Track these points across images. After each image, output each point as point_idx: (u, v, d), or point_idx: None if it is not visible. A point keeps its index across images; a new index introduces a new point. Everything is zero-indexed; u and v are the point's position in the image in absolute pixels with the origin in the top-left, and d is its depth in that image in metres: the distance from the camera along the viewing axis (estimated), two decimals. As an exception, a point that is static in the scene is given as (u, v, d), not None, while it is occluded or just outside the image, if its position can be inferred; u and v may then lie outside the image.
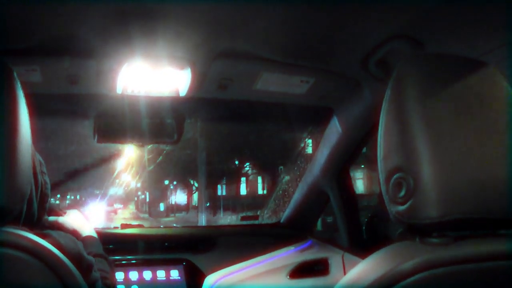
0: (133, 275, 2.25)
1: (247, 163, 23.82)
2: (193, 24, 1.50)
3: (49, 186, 1.44)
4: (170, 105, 1.97)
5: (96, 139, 1.95)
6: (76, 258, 1.20)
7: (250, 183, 25.72)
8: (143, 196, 30.38)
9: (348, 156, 2.32)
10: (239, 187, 26.16)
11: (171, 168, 23.36)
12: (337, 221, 2.45)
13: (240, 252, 2.39)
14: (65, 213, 1.84)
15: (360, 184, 17.55)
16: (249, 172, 24.70)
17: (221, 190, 25.94)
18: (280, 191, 3.00)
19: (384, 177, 0.96)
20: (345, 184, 2.41)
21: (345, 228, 2.41)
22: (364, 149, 2.35)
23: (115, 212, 25.88)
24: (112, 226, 2.53)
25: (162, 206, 27.65)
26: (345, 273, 0.97)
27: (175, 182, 28.23)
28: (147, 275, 2.27)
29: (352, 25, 1.53)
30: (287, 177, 3.04)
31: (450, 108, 0.92)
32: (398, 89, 0.96)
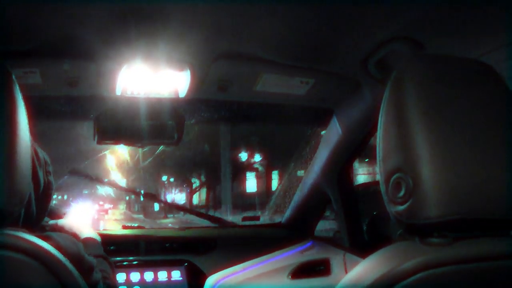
0: (135, 276, 2.25)
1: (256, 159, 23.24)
2: (193, 26, 1.50)
3: (53, 186, 1.44)
4: (170, 107, 1.97)
5: (96, 140, 1.95)
6: (77, 260, 1.20)
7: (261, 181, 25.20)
8: (133, 196, 29.00)
9: (348, 156, 2.33)
10: (245, 184, 25.77)
11: (169, 163, 22.69)
12: (337, 221, 2.45)
13: (241, 253, 2.39)
14: (65, 214, 1.84)
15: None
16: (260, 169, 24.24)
17: (238, 187, 25.22)
18: (282, 192, 3.00)
19: (383, 177, 0.96)
20: (346, 185, 2.41)
21: (346, 228, 2.41)
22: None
23: (105, 212, 25.41)
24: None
25: (156, 206, 25.78)
26: (346, 273, 0.97)
27: (172, 179, 27.37)
28: (149, 276, 2.27)
29: (352, 26, 1.53)
30: (288, 177, 3.04)
31: (449, 109, 0.92)
32: (398, 90, 0.96)
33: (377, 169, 0.99)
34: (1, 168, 0.94)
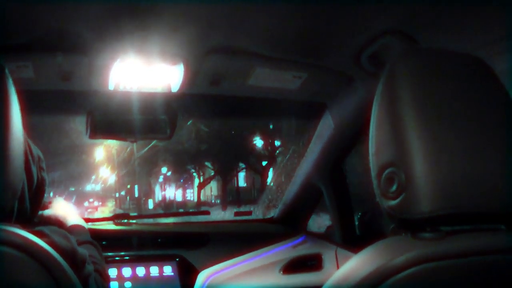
0: (126, 271, 2.25)
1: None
2: (186, 20, 1.50)
3: (46, 182, 1.44)
4: (163, 101, 1.97)
5: (88, 135, 1.94)
6: (70, 254, 1.20)
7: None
8: (123, 193, 27.68)
9: (341, 151, 2.33)
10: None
11: (167, 154, 21.27)
12: (330, 216, 2.46)
13: (233, 248, 2.40)
14: (50, 203, 1.84)
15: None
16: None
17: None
18: (274, 186, 3.00)
19: (375, 172, 0.96)
20: (338, 179, 2.42)
21: (339, 223, 2.41)
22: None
23: (95, 209, 24.89)
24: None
25: (150, 203, 25.01)
26: (338, 269, 0.97)
27: (169, 173, 25.79)
28: (140, 271, 2.27)
29: (344, 20, 1.53)
30: (280, 172, 3.04)
31: (442, 103, 0.92)
32: (390, 84, 0.96)
33: (370, 162, 0.99)
34: None
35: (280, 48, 1.73)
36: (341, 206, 2.41)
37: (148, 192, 25.93)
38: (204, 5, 1.42)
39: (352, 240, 2.38)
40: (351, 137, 2.24)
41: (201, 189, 25.52)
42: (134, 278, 2.25)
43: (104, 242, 2.23)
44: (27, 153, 1.29)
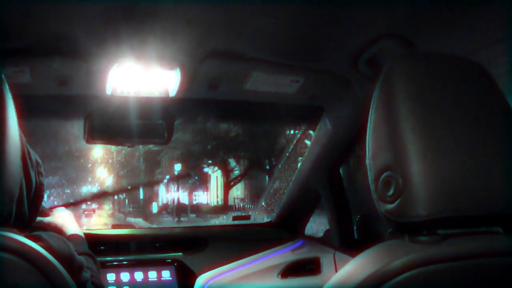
0: (125, 276, 2.25)
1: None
2: (183, 25, 1.50)
3: (44, 187, 1.43)
4: (160, 106, 1.97)
5: (86, 140, 1.94)
6: (68, 260, 1.20)
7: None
8: (123, 195, 24.61)
9: (339, 154, 2.33)
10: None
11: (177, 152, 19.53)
12: (328, 220, 2.45)
13: (232, 252, 2.39)
14: (51, 211, 1.84)
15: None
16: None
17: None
18: (272, 191, 3.00)
19: (373, 176, 0.97)
20: (336, 183, 2.42)
21: (337, 227, 2.41)
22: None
23: (93, 211, 24.36)
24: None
25: (155, 206, 22.58)
26: (336, 272, 0.97)
27: (176, 172, 22.76)
28: (139, 276, 2.26)
29: (341, 24, 1.54)
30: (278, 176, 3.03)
31: (439, 107, 0.92)
32: (387, 87, 0.96)
33: (367, 166, 0.99)
34: None
35: (277, 52, 1.73)
36: (339, 209, 2.41)
37: (151, 195, 23.96)
38: (201, 10, 1.42)
39: (350, 243, 2.37)
40: (349, 141, 2.24)
41: (228, 190, 22.20)
42: (132, 282, 2.25)
43: (102, 247, 2.23)
44: (26, 158, 1.28)
